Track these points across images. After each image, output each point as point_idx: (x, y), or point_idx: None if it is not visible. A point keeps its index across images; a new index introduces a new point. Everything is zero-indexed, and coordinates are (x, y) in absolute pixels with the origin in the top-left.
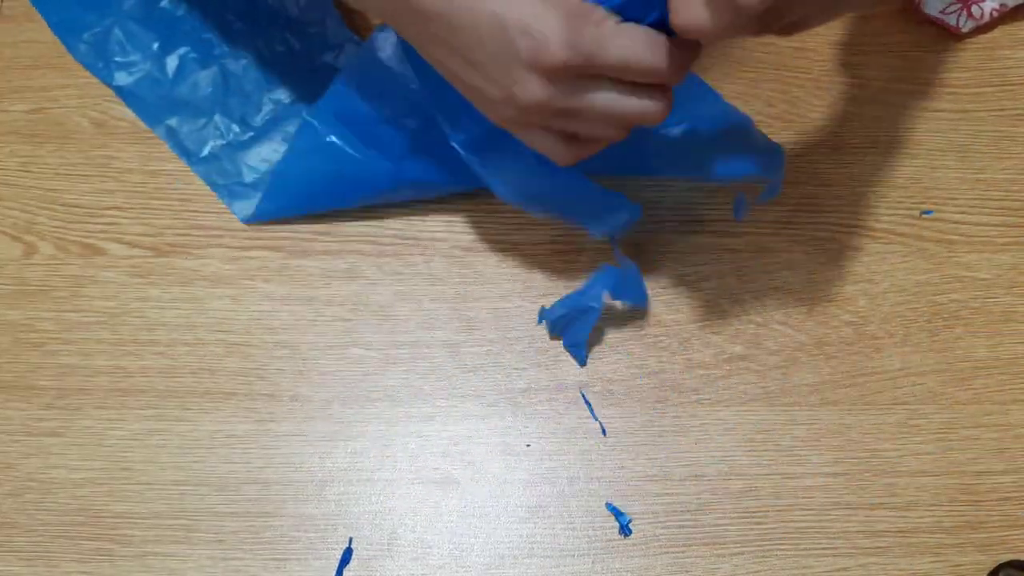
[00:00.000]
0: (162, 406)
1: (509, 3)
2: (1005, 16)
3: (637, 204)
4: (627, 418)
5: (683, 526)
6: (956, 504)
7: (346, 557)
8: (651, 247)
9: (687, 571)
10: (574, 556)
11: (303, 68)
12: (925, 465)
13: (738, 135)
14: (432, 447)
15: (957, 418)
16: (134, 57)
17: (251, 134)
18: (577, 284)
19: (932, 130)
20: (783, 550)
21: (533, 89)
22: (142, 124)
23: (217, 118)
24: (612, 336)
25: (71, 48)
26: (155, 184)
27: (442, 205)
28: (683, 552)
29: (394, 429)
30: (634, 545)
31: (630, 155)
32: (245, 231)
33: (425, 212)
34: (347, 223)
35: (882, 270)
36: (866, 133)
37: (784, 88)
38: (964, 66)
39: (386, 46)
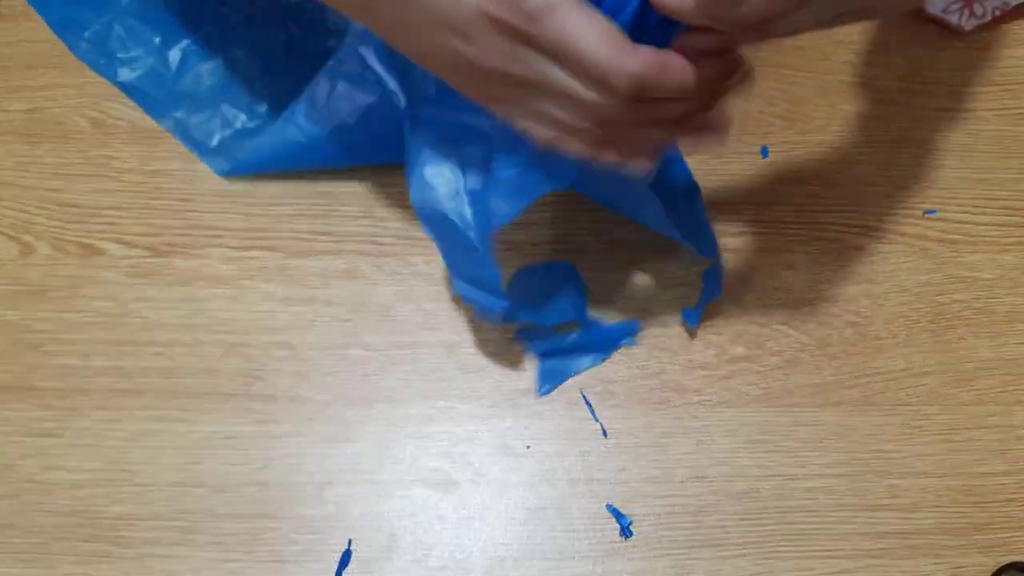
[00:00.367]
0: (161, 407)
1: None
2: (1007, 15)
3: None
4: (628, 419)
5: (684, 528)
6: (959, 506)
7: (345, 559)
8: (652, 247)
9: (688, 573)
10: (575, 558)
11: (304, 55)
12: (928, 466)
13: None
14: (432, 448)
15: (960, 419)
16: (136, 52)
17: (258, 122)
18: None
19: (934, 129)
20: (785, 552)
21: (489, 52)
22: (140, 124)
23: (224, 108)
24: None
25: (72, 47)
26: (154, 184)
27: None
28: (685, 554)
29: (394, 430)
30: (635, 547)
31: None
32: (245, 231)
33: None
34: (346, 223)
35: (885, 270)
36: (868, 132)
37: (785, 88)
38: (966, 65)
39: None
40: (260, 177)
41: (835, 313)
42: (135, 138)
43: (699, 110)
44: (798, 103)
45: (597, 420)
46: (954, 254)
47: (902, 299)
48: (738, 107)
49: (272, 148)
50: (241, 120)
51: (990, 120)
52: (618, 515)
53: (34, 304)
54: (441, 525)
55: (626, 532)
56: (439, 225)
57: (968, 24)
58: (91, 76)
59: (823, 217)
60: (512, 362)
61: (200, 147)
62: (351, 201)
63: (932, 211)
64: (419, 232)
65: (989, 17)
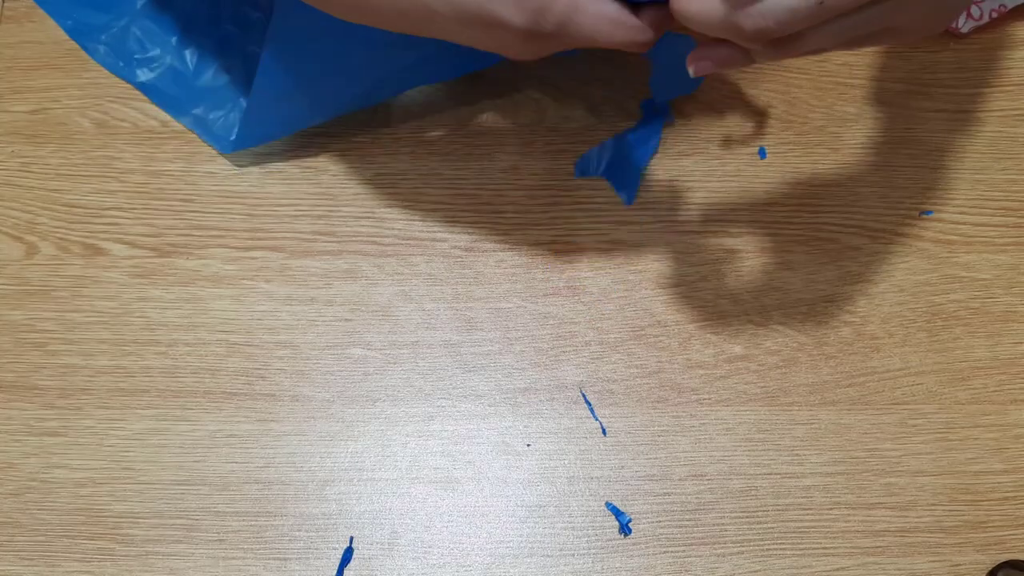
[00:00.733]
0: (163, 406)
1: None
2: (1004, 17)
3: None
4: (627, 418)
5: (683, 525)
6: (955, 504)
7: (347, 556)
8: (652, 247)
9: (687, 570)
10: (574, 555)
11: None
12: (924, 465)
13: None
14: (432, 447)
15: (956, 418)
16: (153, 53)
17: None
18: (577, 284)
19: (931, 130)
20: (783, 549)
21: (520, 54)
22: (143, 125)
23: (242, 101)
24: (612, 336)
25: (90, 51)
26: (156, 184)
27: (442, 205)
28: (683, 551)
29: (395, 429)
30: (634, 544)
31: None
32: (246, 231)
33: (425, 212)
34: (347, 223)
35: (882, 270)
36: (865, 133)
37: (784, 88)
38: (963, 66)
39: None
40: (262, 178)
41: (832, 313)
42: (138, 139)
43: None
44: (796, 104)
45: (596, 419)
46: (950, 254)
47: (899, 299)
48: (737, 109)
49: (262, 114)
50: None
51: (987, 121)
52: (617, 513)
53: (37, 304)
54: (441, 523)
55: (625, 530)
56: None
57: (965, 26)
58: (94, 77)
59: (820, 217)
60: (512, 362)
61: (220, 141)
62: (352, 202)
63: (929, 212)
64: (420, 232)
65: (986, 19)
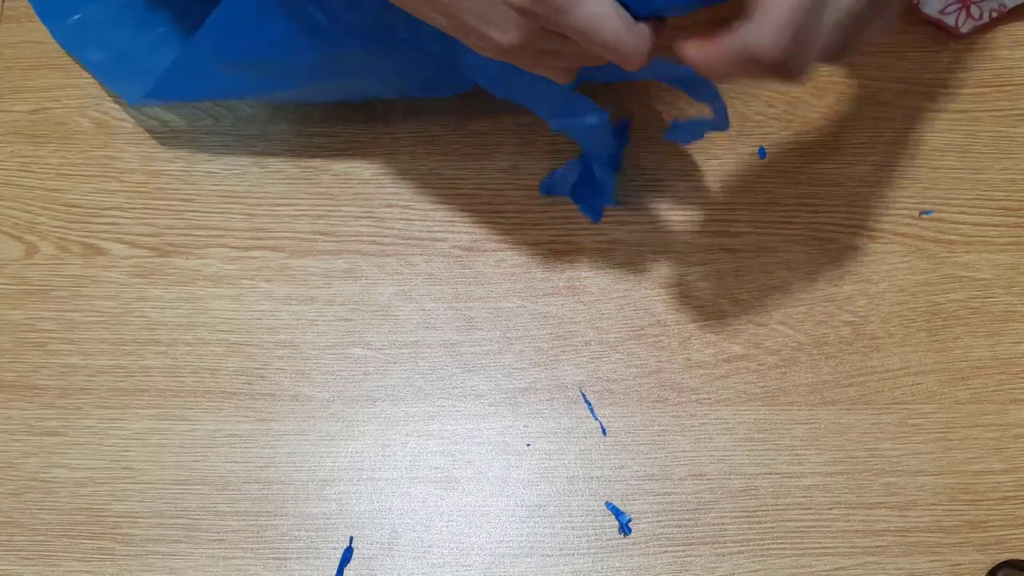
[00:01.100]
0: (163, 405)
1: None
2: (1004, 16)
3: (604, 111)
4: (627, 417)
5: (683, 525)
6: (955, 503)
7: (347, 556)
8: (651, 247)
9: (687, 570)
10: (574, 555)
11: None
12: (924, 464)
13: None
14: (432, 446)
15: (956, 417)
16: (111, 36)
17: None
18: (577, 284)
19: (931, 130)
20: (782, 549)
21: (511, 33)
22: (143, 124)
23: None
24: (612, 336)
25: (53, 31)
26: (156, 184)
27: (442, 205)
28: (683, 551)
29: (395, 428)
30: (634, 544)
31: None
32: (246, 231)
33: (425, 212)
34: (347, 223)
35: (881, 270)
36: (865, 133)
37: (783, 89)
38: (963, 66)
39: None
40: (262, 178)
41: (832, 312)
42: (137, 139)
43: None
44: (795, 105)
45: (596, 418)
46: (950, 254)
47: (899, 299)
48: (736, 109)
49: (184, 70)
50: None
51: (987, 121)
52: (617, 512)
53: (37, 303)
54: (442, 522)
55: (625, 529)
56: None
57: (965, 26)
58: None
59: (820, 217)
60: (512, 362)
61: (130, 85)
62: (352, 202)
63: (928, 211)
64: (419, 232)
65: (986, 19)
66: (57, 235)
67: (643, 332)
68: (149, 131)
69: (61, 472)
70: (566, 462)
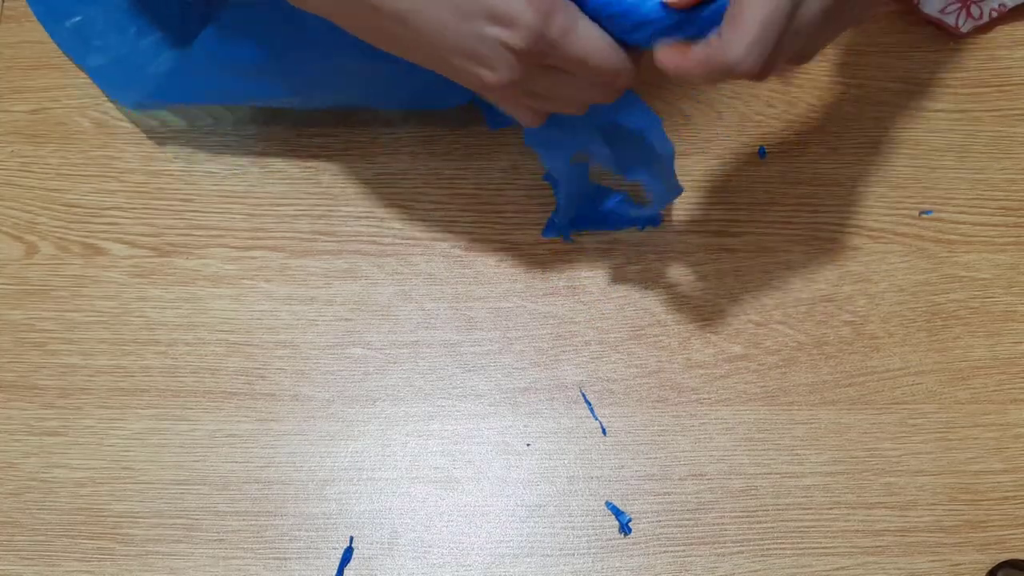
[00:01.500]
0: (163, 405)
1: None
2: (1004, 16)
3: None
4: (627, 417)
5: (683, 525)
6: (955, 503)
7: (347, 556)
8: (651, 247)
9: (687, 570)
10: (574, 555)
11: None
12: (924, 464)
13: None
14: (433, 446)
15: (956, 417)
16: (111, 40)
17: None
18: (577, 284)
19: (931, 130)
20: (782, 549)
21: (502, 71)
22: (143, 124)
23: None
24: (612, 336)
25: (52, 33)
26: (156, 184)
27: (442, 205)
28: (683, 551)
29: (395, 428)
30: (634, 544)
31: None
32: (246, 231)
33: (425, 212)
34: (347, 223)
35: (881, 270)
36: (865, 133)
37: (783, 89)
38: (963, 66)
39: None
40: (262, 178)
41: (832, 312)
42: (137, 139)
43: None
44: (795, 104)
45: (596, 418)
46: (950, 254)
47: (899, 298)
48: (737, 109)
49: (181, 75)
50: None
51: (987, 121)
52: (617, 512)
53: (37, 303)
54: (442, 522)
55: (625, 529)
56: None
57: (965, 26)
58: None
59: (820, 217)
60: (512, 362)
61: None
62: (352, 201)
63: (928, 211)
64: (419, 232)
65: (986, 19)
66: (57, 235)
67: (643, 332)
68: (149, 131)
69: (61, 472)
70: (566, 462)
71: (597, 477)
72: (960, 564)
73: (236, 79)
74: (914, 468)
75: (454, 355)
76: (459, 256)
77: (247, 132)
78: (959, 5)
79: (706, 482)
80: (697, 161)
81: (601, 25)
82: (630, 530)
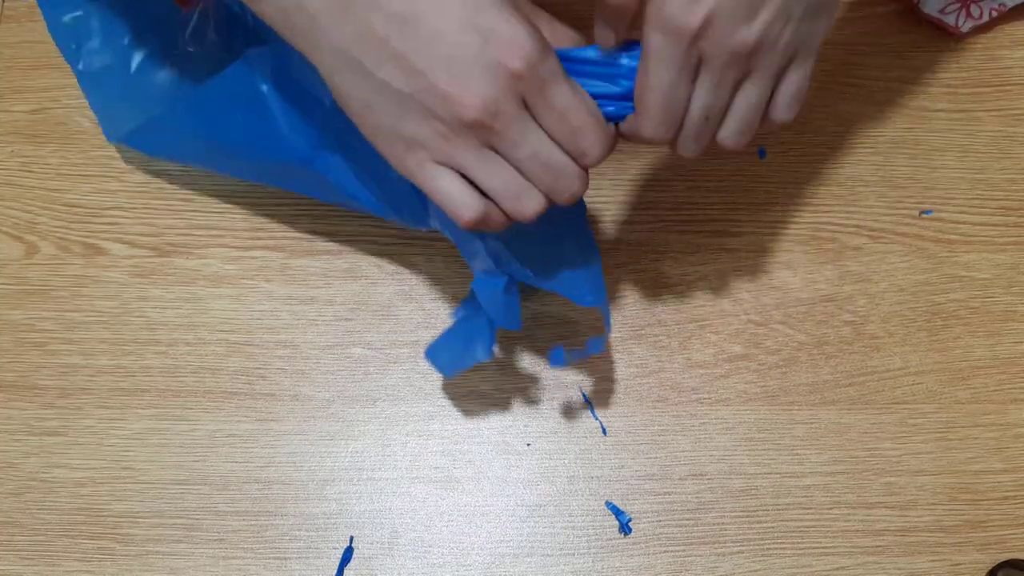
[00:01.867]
0: (163, 405)
1: (481, 11)
2: (1004, 16)
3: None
4: (627, 417)
5: (683, 525)
6: (955, 503)
7: (347, 556)
8: (651, 247)
9: (687, 570)
10: (574, 555)
11: None
12: (924, 464)
13: (581, 260)
14: (433, 446)
15: (956, 417)
16: (103, 46)
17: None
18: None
19: (931, 130)
20: (782, 549)
21: (487, 90)
22: None
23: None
24: (612, 336)
25: (49, 22)
26: (156, 184)
27: None
28: (683, 551)
29: (395, 428)
30: (634, 543)
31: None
32: (246, 231)
33: None
34: (347, 223)
35: (881, 270)
36: (865, 133)
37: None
38: (963, 66)
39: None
40: None
41: (832, 312)
42: None
43: None
44: None
45: (596, 418)
46: (950, 254)
47: (899, 298)
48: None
49: (161, 131)
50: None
51: (987, 121)
52: (617, 512)
53: (37, 303)
54: (442, 522)
55: (625, 529)
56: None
57: (965, 25)
58: None
59: (820, 217)
60: (512, 361)
61: (112, 124)
62: None
63: (928, 211)
64: (419, 232)
65: (986, 18)
66: (57, 235)
67: (643, 332)
68: None
69: (61, 472)
70: (566, 462)
71: (597, 477)
72: (960, 564)
73: (209, 149)
74: (914, 468)
75: None
76: (459, 256)
77: None
78: (959, 5)
79: (706, 482)
80: (697, 161)
81: None
82: (630, 530)
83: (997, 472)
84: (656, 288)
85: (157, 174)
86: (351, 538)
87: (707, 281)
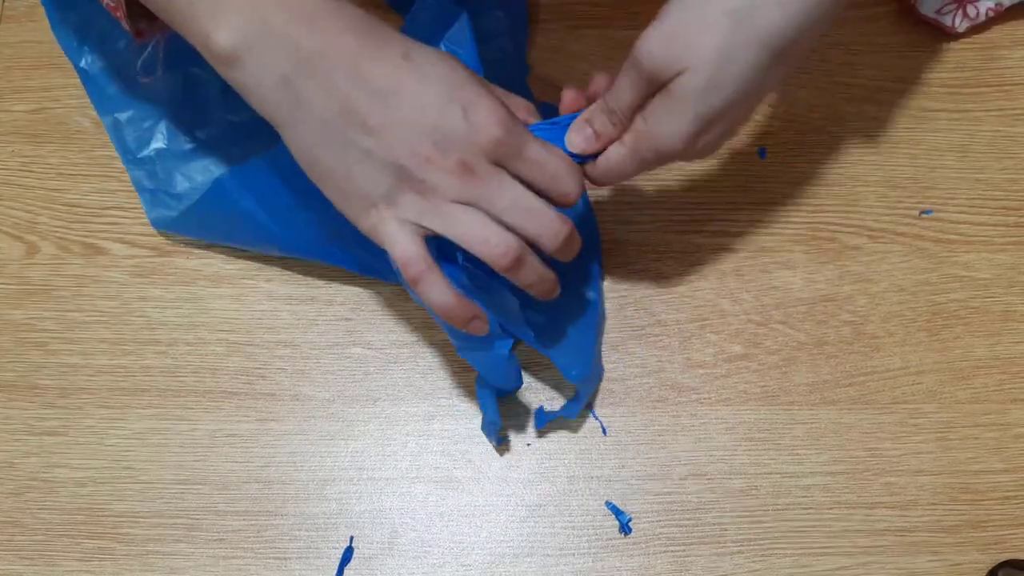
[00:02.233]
0: (164, 405)
1: (458, 87)
2: (1001, 16)
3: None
4: (627, 417)
5: (683, 525)
6: (955, 503)
7: (347, 556)
8: (651, 247)
9: (687, 570)
10: (574, 555)
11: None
12: (924, 464)
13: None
14: (433, 446)
15: (956, 417)
16: (106, 45)
17: (193, 146)
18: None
19: (931, 130)
20: (783, 549)
21: (467, 154)
22: None
23: (163, 124)
24: (612, 336)
25: (52, 22)
26: None
27: None
28: (683, 551)
29: (395, 428)
30: (634, 544)
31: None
32: None
33: None
34: None
35: (881, 269)
36: (865, 133)
37: (784, 89)
38: (963, 66)
39: None
40: None
41: (832, 312)
42: None
43: None
44: (795, 104)
45: (596, 418)
46: (950, 254)
47: (899, 298)
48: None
49: (201, 215)
50: (177, 140)
51: (986, 121)
52: (617, 512)
53: (38, 303)
54: (442, 522)
55: (625, 529)
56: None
57: (961, 25)
58: None
59: (820, 217)
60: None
61: (127, 154)
62: None
63: (928, 211)
64: None
65: (983, 18)
66: (58, 235)
67: (643, 332)
68: None
69: (62, 472)
70: (566, 462)
71: (597, 477)
72: (960, 564)
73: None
74: (914, 468)
75: (454, 355)
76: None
77: None
78: (955, 5)
79: (706, 482)
80: (697, 161)
81: None
82: (630, 530)
83: (997, 472)
84: (656, 288)
85: None
86: (351, 538)
87: (707, 281)
